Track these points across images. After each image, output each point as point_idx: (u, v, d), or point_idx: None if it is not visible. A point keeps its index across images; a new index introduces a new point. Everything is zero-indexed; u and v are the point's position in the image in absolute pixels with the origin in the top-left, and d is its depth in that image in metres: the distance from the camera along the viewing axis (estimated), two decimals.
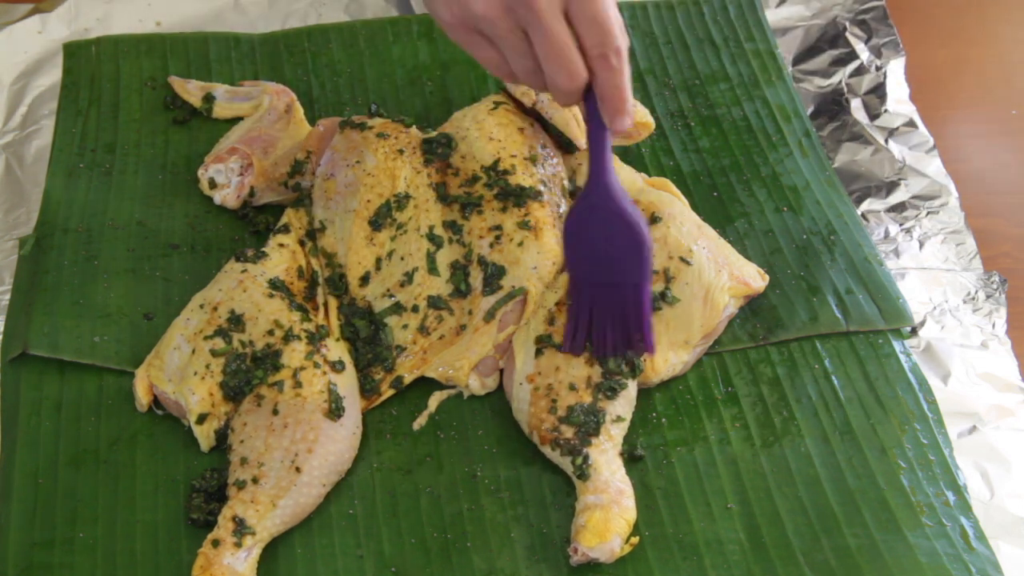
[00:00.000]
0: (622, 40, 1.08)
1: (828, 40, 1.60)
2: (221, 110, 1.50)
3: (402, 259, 1.29)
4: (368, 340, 1.26)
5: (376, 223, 1.30)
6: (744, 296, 1.29)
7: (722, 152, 1.46)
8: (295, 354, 1.20)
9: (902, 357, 1.27)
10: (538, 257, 1.27)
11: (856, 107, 1.52)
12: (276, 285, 1.26)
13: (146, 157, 1.46)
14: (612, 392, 1.19)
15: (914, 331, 1.30)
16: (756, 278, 1.30)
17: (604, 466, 1.15)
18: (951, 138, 1.51)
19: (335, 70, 1.56)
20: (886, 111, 1.51)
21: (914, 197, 1.43)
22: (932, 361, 1.28)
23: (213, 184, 1.40)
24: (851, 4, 1.63)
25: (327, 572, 1.13)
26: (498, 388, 1.25)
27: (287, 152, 1.40)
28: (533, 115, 1.38)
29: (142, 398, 1.22)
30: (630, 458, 1.19)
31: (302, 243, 1.32)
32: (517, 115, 1.37)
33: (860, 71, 1.56)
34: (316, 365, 1.19)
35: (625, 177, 1.34)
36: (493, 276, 1.26)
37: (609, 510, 1.12)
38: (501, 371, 1.25)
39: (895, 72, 1.55)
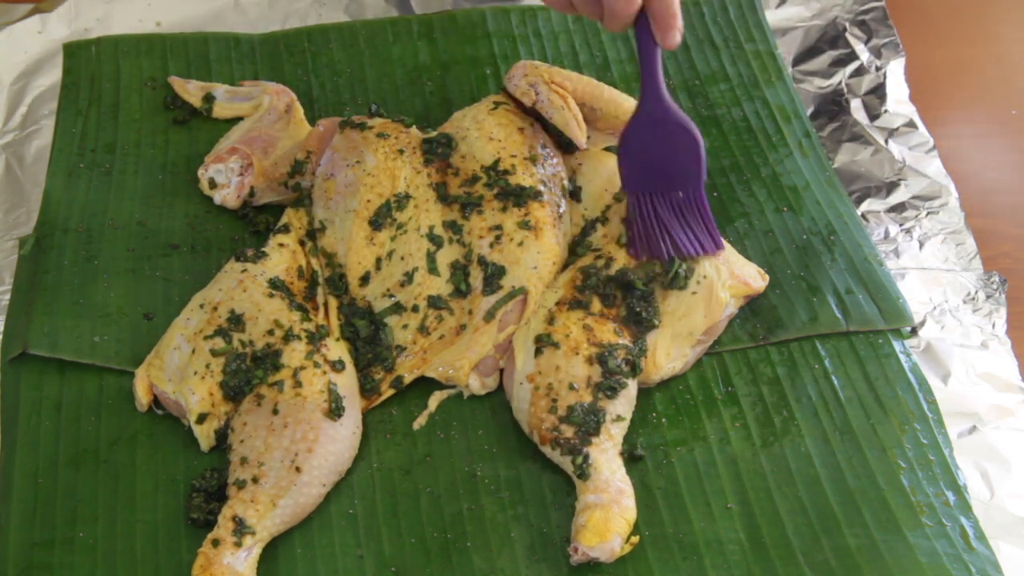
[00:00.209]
0: None
1: (828, 40, 1.60)
2: (221, 110, 1.50)
3: (402, 259, 1.29)
4: (368, 340, 1.26)
5: (376, 223, 1.30)
6: (744, 296, 1.29)
7: (722, 152, 1.46)
8: (295, 354, 1.20)
9: (902, 357, 1.27)
10: (538, 257, 1.27)
11: (856, 107, 1.52)
12: (276, 285, 1.26)
13: (146, 157, 1.46)
14: (612, 391, 1.19)
15: (914, 331, 1.30)
16: (756, 278, 1.30)
17: (604, 466, 1.15)
18: (951, 138, 1.51)
19: (335, 70, 1.56)
20: (886, 111, 1.51)
21: (914, 197, 1.43)
22: (932, 361, 1.28)
23: (213, 184, 1.40)
24: (851, 5, 1.63)
25: (327, 572, 1.13)
26: (498, 388, 1.25)
27: (287, 152, 1.40)
28: (533, 115, 1.38)
29: (142, 398, 1.22)
30: (630, 458, 1.19)
31: (302, 243, 1.32)
32: (517, 115, 1.37)
33: (860, 71, 1.56)
34: (316, 365, 1.19)
35: None
36: (493, 276, 1.26)
37: (609, 510, 1.12)
38: (501, 371, 1.25)
39: (895, 72, 1.55)
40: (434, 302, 1.27)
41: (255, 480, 1.13)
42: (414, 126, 1.38)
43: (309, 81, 1.54)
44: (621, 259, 1.26)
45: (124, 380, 1.25)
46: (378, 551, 1.14)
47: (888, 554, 1.12)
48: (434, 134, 1.36)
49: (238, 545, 1.10)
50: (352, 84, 1.54)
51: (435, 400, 1.25)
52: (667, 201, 1.26)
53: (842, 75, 1.56)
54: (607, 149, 1.37)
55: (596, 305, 1.24)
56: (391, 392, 1.25)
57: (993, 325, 1.30)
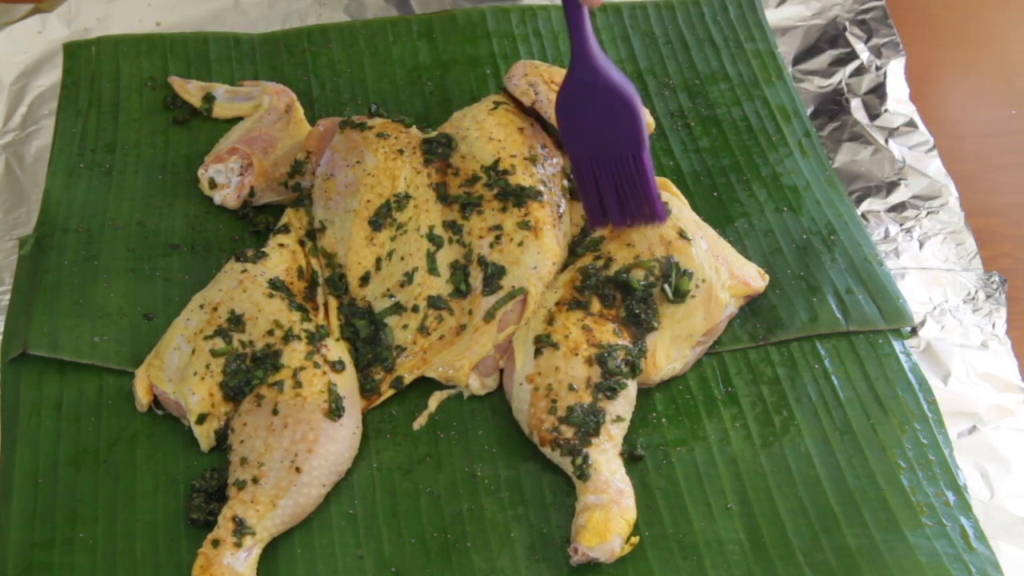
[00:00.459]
0: None
1: (828, 40, 1.60)
2: (221, 110, 1.50)
3: (402, 259, 1.29)
4: (368, 340, 1.26)
5: (376, 223, 1.30)
6: (744, 296, 1.29)
7: (722, 152, 1.46)
8: (295, 354, 1.20)
9: (902, 357, 1.27)
10: (538, 257, 1.27)
11: (856, 107, 1.52)
12: (276, 285, 1.26)
13: (146, 157, 1.46)
14: (612, 392, 1.19)
15: (914, 331, 1.30)
16: (756, 278, 1.30)
17: (604, 466, 1.15)
18: (951, 138, 1.51)
19: (335, 70, 1.56)
20: (886, 111, 1.51)
21: (914, 197, 1.43)
22: (932, 361, 1.28)
23: (213, 184, 1.40)
24: (851, 4, 1.63)
25: (327, 572, 1.13)
26: (498, 388, 1.25)
27: (287, 152, 1.40)
28: (533, 115, 1.38)
29: (142, 398, 1.22)
30: (630, 458, 1.19)
31: (302, 243, 1.32)
32: (517, 115, 1.37)
33: (860, 71, 1.56)
34: (316, 365, 1.19)
35: None
36: (493, 276, 1.26)
37: (609, 510, 1.12)
38: (501, 371, 1.25)
39: (895, 72, 1.55)
40: (434, 302, 1.27)
41: (255, 480, 1.13)
42: (414, 126, 1.38)
43: (309, 81, 1.54)
44: (621, 259, 1.26)
45: (124, 380, 1.25)
46: (378, 551, 1.14)
47: (888, 554, 1.12)
48: (434, 134, 1.36)
49: (238, 545, 1.10)
50: (352, 84, 1.54)
51: (435, 400, 1.25)
52: (609, 167, 1.22)
53: (842, 75, 1.56)
54: None
55: (596, 306, 1.24)
56: (391, 392, 1.25)
57: (993, 325, 1.30)
